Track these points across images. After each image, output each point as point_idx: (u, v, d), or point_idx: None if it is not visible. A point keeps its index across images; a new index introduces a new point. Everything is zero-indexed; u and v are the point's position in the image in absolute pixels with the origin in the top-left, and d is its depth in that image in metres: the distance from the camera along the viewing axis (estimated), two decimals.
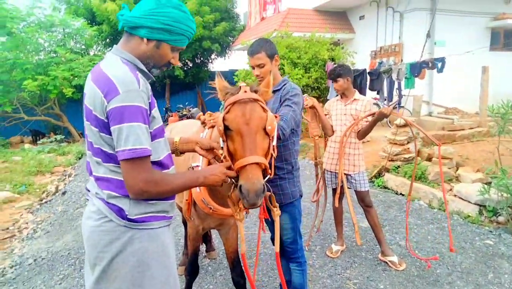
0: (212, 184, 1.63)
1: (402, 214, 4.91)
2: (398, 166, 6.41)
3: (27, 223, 5.25)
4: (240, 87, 1.76)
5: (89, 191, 1.60)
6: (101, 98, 1.39)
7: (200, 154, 1.94)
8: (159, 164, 1.56)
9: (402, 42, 11.17)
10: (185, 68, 16.90)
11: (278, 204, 2.44)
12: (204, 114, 2.39)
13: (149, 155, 1.43)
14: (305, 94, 3.28)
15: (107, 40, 15.31)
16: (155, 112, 1.54)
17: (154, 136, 1.52)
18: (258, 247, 2.23)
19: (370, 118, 3.40)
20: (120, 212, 1.47)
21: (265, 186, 1.61)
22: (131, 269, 1.49)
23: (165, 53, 1.57)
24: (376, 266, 3.56)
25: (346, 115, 3.56)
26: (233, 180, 1.68)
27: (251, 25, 16.43)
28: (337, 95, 3.77)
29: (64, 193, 6.70)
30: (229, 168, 1.67)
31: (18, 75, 11.14)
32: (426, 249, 3.89)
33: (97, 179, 1.52)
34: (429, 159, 6.51)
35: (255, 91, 1.77)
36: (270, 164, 1.73)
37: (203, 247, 3.94)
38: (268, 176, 1.70)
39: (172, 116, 14.20)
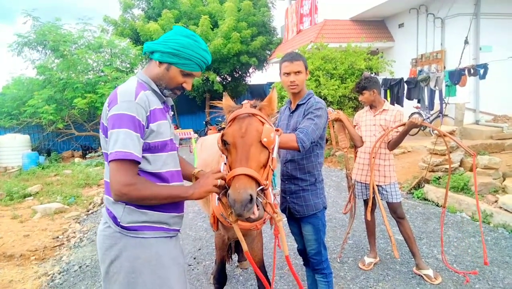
0: (203, 194, 1.66)
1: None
2: (439, 177, 6.17)
3: (74, 232, 5.62)
4: (242, 104, 1.85)
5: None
6: (106, 107, 1.60)
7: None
8: (158, 176, 1.67)
9: (445, 48, 10.79)
10: (224, 82, 17.36)
11: (301, 216, 2.50)
12: None
13: (134, 160, 1.52)
14: (329, 108, 3.30)
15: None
16: (156, 126, 1.64)
17: (154, 149, 1.64)
18: (274, 261, 2.23)
19: (400, 129, 3.35)
20: (114, 219, 1.61)
21: (254, 198, 1.59)
22: (126, 275, 1.61)
23: (174, 76, 1.71)
24: (410, 280, 3.46)
25: (375, 126, 3.54)
26: (227, 187, 1.69)
27: (288, 38, 16.60)
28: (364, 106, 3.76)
29: None
30: (220, 177, 1.70)
31: (69, 94, 12.00)
32: (465, 263, 3.72)
33: (106, 183, 1.68)
34: (471, 170, 6.20)
35: (255, 106, 1.84)
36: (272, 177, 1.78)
37: (235, 257, 4.03)
38: (263, 187, 1.68)
39: (211, 129, 14.59)
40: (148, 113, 1.61)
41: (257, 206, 1.68)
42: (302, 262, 2.94)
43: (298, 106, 2.51)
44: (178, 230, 1.81)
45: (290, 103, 2.63)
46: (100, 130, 1.67)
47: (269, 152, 1.79)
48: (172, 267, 1.70)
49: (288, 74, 2.44)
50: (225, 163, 1.89)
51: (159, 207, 1.65)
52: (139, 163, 1.57)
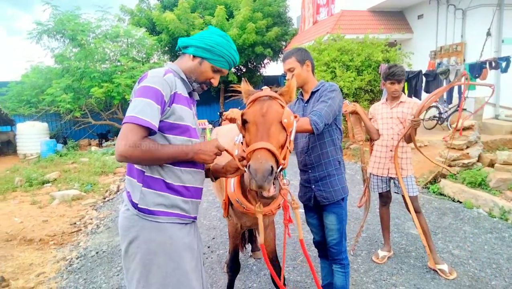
0: (202, 161, 1.72)
1: (457, 222, 4.66)
2: (456, 172, 6.07)
3: (91, 219, 5.74)
4: (262, 89, 1.88)
5: None
6: (136, 85, 1.69)
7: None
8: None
9: (465, 41, 10.52)
10: (239, 73, 17.32)
11: (329, 202, 2.50)
12: None
13: (146, 127, 1.55)
14: (346, 100, 3.26)
15: (166, 48, 16.17)
16: (179, 108, 1.69)
17: (175, 129, 1.69)
18: (284, 250, 2.25)
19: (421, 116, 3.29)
20: (132, 202, 1.69)
21: (275, 172, 1.62)
22: (142, 255, 1.69)
23: (206, 70, 1.82)
24: (424, 274, 3.43)
25: (392, 118, 3.49)
26: (246, 170, 1.70)
27: (304, 28, 16.42)
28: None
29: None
30: (221, 147, 1.75)
31: (86, 83, 12.18)
32: (481, 259, 3.67)
33: (128, 165, 1.75)
34: (491, 165, 6.09)
35: (275, 92, 1.87)
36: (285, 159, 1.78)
37: (249, 247, 4.06)
38: (281, 166, 1.71)
39: (225, 120, 14.61)
40: (172, 92, 1.67)
41: (273, 184, 1.68)
42: (315, 254, 2.95)
43: (312, 94, 2.51)
44: (194, 218, 1.85)
45: (301, 95, 2.64)
46: None
47: (287, 135, 1.81)
48: (184, 252, 1.76)
49: (286, 73, 2.53)
50: (241, 142, 1.92)
51: (174, 190, 1.71)
52: (154, 133, 1.63)
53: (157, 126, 1.60)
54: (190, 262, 1.78)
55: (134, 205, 1.68)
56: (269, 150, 1.65)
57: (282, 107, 1.83)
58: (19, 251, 4.47)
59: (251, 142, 1.74)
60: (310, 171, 2.54)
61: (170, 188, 1.70)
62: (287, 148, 1.80)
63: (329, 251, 2.63)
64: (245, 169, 1.74)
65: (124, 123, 1.57)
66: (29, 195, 6.99)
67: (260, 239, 1.83)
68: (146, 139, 1.58)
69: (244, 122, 1.82)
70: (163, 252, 1.69)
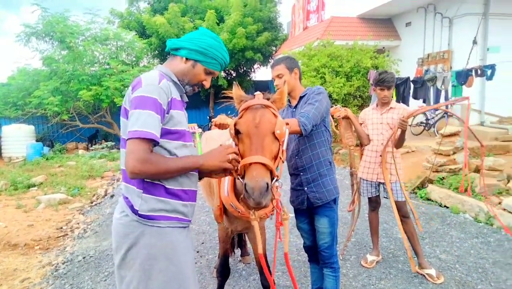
0: (212, 169, 1.71)
1: (444, 227, 4.73)
2: (443, 178, 6.16)
3: (78, 223, 5.66)
4: (254, 95, 1.87)
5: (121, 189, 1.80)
6: (130, 91, 1.67)
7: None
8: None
9: (452, 48, 10.73)
10: (229, 78, 17.32)
11: (322, 202, 2.52)
12: None
13: (152, 139, 1.55)
14: (338, 105, 3.31)
15: (156, 52, 16.12)
16: (176, 114, 1.69)
17: (173, 135, 1.69)
18: (275, 254, 2.24)
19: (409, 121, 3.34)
20: (132, 208, 1.66)
21: (270, 186, 1.64)
22: (142, 261, 1.65)
23: (199, 73, 1.81)
24: (412, 279, 3.46)
25: (382, 124, 3.53)
26: (241, 180, 1.74)
27: (295, 34, 16.54)
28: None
29: (112, 196, 7.13)
30: (232, 152, 1.73)
31: (74, 86, 12.03)
32: (467, 264, 3.72)
33: (122, 171, 1.72)
34: (477, 170, 6.19)
35: (268, 99, 1.87)
36: (278, 169, 1.79)
37: (238, 252, 4.05)
38: (276, 178, 1.74)
39: (214, 126, 14.58)
40: (169, 99, 1.67)
41: None
42: (304, 259, 2.95)
43: (300, 98, 2.55)
44: (190, 221, 1.84)
45: (289, 101, 2.67)
46: (121, 116, 1.71)
47: (280, 144, 1.82)
48: (185, 256, 1.75)
49: (274, 79, 2.56)
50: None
51: (175, 195, 1.70)
52: (157, 144, 1.62)
53: (160, 137, 1.60)
54: (190, 266, 1.78)
55: (134, 211, 1.65)
56: (264, 165, 1.66)
57: (275, 116, 1.83)
58: (3, 256, 4.37)
59: (245, 153, 1.75)
60: (302, 173, 2.56)
61: (170, 193, 1.69)
62: (280, 158, 1.82)
63: (320, 255, 2.64)
64: (241, 181, 1.75)
65: (129, 138, 1.54)
66: (14, 199, 6.86)
67: (259, 248, 1.81)
68: (153, 153, 1.58)
69: (237, 132, 1.82)
70: (164, 257, 1.67)
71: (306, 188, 2.56)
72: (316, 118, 2.30)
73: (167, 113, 1.65)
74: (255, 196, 1.60)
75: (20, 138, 11.78)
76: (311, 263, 2.90)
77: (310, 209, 2.61)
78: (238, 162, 1.74)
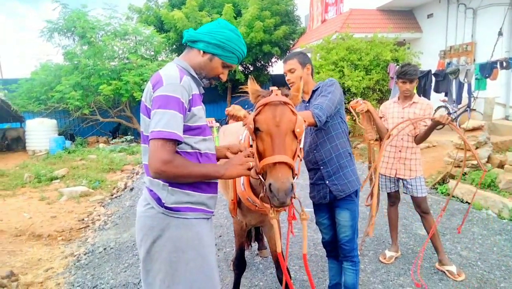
0: (234, 175, 1.73)
1: (466, 224, 4.62)
2: (465, 173, 6.01)
3: (99, 215, 5.79)
4: (271, 90, 1.83)
5: (143, 182, 1.80)
6: (150, 89, 1.64)
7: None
8: (197, 158, 1.73)
9: (475, 40, 10.41)
10: (246, 72, 17.29)
11: (346, 194, 2.51)
12: None
13: (175, 140, 1.56)
14: (359, 98, 3.26)
15: (174, 46, 16.22)
16: (197, 110, 1.70)
17: (194, 131, 1.69)
18: (287, 247, 2.25)
19: (428, 122, 3.27)
20: (158, 200, 1.66)
21: (293, 186, 1.63)
22: (168, 253, 1.66)
23: (216, 67, 1.79)
24: (432, 275, 3.40)
25: (403, 118, 3.44)
26: (261, 179, 1.73)
27: (313, 27, 16.35)
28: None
29: (132, 189, 7.26)
30: (251, 160, 1.75)
31: (95, 81, 12.26)
32: (490, 261, 3.63)
33: (145, 166, 1.73)
34: (501, 166, 6.01)
35: (286, 95, 1.83)
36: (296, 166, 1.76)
37: (255, 246, 4.06)
38: (296, 177, 1.73)
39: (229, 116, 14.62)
40: (191, 97, 1.67)
41: None
42: (322, 253, 2.94)
43: (313, 92, 2.54)
44: (213, 213, 1.86)
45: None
46: (141, 112, 1.71)
47: (298, 142, 1.80)
48: (210, 247, 1.77)
49: (285, 73, 2.55)
50: (250, 145, 1.89)
51: (199, 188, 1.71)
52: (180, 143, 1.63)
53: (182, 136, 1.60)
54: (214, 257, 1.81)
55: (161, 204, 1.66)
56: (287, 164, 1.65)
57: (293, 113, 1.80)
58: (28, 246, 4.52)
59: (265, 152, 1.72)
60: (322, 167, 2.55)
61: (195, 186, 1.70)
62: (298, 156, 1.80)
63: (341, 249, 2.63)
64: (260, 178, 1.75)
65: (151, 139, 1.55)
66: (38, 191, 7.07)
67: (277, 247, 1.78)
68: (177, 156, 1.59)
69: (256, 129, 1.79)
70: (191, 249, 1.68)
71: (327, 182, 2.54)
72: (330, 109, 2.28)
73: (189, 110, 1.65)
74: (280, 197, 1.58)
75: (43, 132, 12.11)
76: (329, 258, 2.89)
77: (331, 203, 2.60)
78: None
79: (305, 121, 1.93)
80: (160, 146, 1.53)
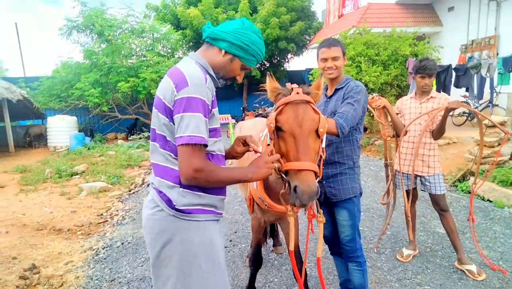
0: (261, 177, 1.67)
1: (487, 222, 4.50)
2: (486, 170, 5.84)
3: (117, 210, 5.88)
4: (292, 88, 1.78)
5: (151, 183, 1.77)
6: (172, 88, 1.54)
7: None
8: (210, 160, 1.68)
9: (498, 34, 10.10)
10: (262, 69, 17.27)
11: (337, 200, 2.46)
12: None
13: (205, 145, 1.53)
14: (376, 94, 3.19)
15: (190, 43, 16.33)
16: (216, 111, 1.65)
17: (211, 133, 1.63)
18: (306, 246, 2.21)
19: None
20: (169, 202, 1.60)
21: (318, 190, 1.61)
22: (180, 258, 1.61)
23: (235, 68, 1.73)
24: (451, 274, 3.33)
25: (421, 114, 3.38)
26: (283, 176, 1.70)
27: (330, 22, 16.19)
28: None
29: (149, 185, 7.33)
30: (276, 160, 1.70)
31: (113, 78, 12.46)
32: None
33: (153, 165, 1.69)
34: None
35: (307, 93, 1.78)
36: (318, 165, 1.73)
37: (270, 242, 4.06)
38: (318, 178, 1.70)
39: (248, 115, 14.64)
40: (213, 98, 1.62)
41: None
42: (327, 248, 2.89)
43: (336, 90, 2.47)
44: (222, 214, 1.81)
45: (326, 89, 2.59)
46: (155, 109, 1.65)
47: (320, 142, 1.77)
48: (221, 250, 1.73)
49: (326, 60, 2.42)
50: (268, 144, 1.86)
51: (210, 190, 1.66)
52: (206, 147, 1.58)
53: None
54: (224, 260, 1.76)
55: (172, 206, 1.60)
56: (313, 172, 1.63)
57: (316, 112, 1.75)
58: (49, 240, 4.63)
59: (289, 154, 1.70)
60: (323, 167, 2.51)
61: (206, 188, 1.65)
62: (321, 156, 1.77)
63: (343, 250, 2.58)
64: (282, 175, 1.72)
65: (181, 144, 1.50)
66: (58, 186, 7.23)
67: (290, 246, 1.77)
68: (208, 162, 1.56)
69: (278, 128, 1.75)
70: (203, 252, 1.63)
71: (324, 182, 2.49)
72: (354, 120, 2.22)
73: (210, 112, 1.60)
74: (304, 199, 1.57)
75: (64, 128, 12.38)
76: (333, 255, 2.85)
77: (329, 202, 2.55)
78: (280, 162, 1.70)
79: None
80: (192, 153, 1.49)
